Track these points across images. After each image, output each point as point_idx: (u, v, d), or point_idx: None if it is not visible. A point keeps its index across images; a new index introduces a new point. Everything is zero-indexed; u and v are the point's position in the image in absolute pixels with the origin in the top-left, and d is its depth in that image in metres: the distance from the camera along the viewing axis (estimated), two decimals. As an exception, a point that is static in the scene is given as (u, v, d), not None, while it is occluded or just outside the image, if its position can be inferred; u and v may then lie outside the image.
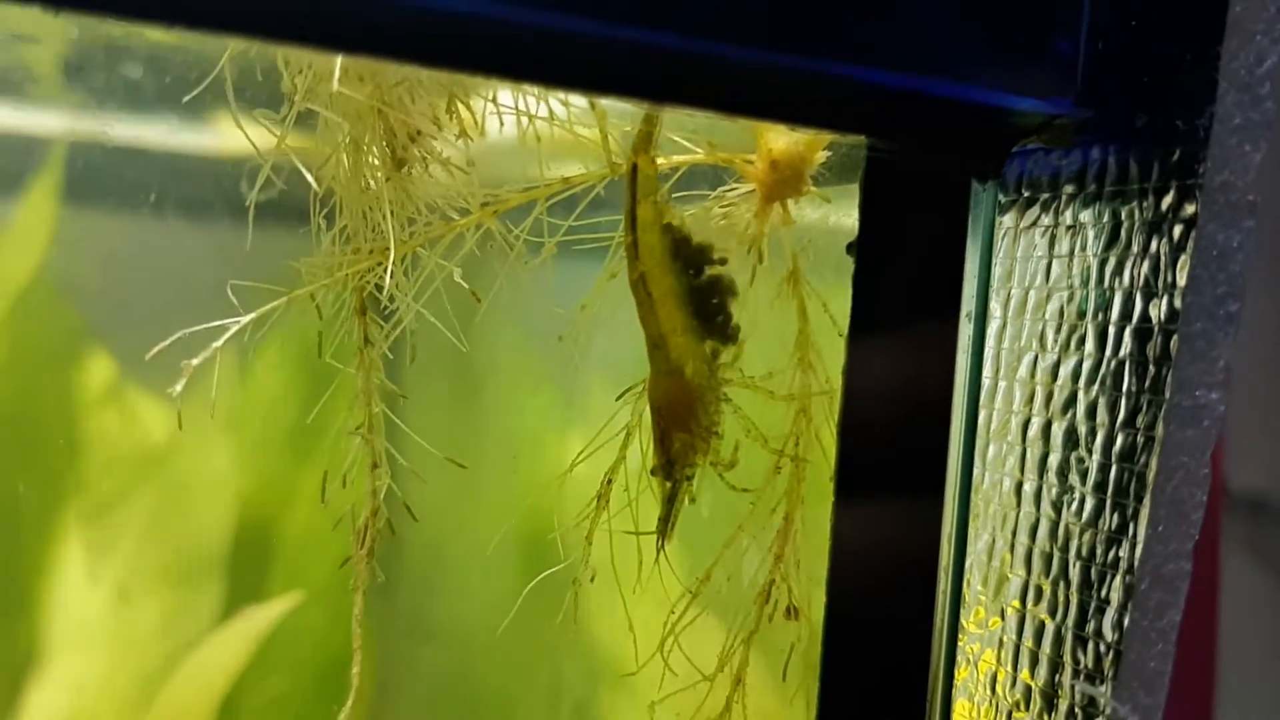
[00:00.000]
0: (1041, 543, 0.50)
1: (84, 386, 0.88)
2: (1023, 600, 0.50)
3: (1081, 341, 0.48)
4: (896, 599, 0.54)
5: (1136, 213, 0.46)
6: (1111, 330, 0.47)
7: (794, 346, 0.56)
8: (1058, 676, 0.48)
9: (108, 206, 0.83)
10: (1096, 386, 0.47)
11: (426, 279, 0.55)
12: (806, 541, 0.58)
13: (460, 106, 0.52)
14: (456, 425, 0.85)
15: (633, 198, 0.53)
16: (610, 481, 0.57)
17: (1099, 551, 0.47)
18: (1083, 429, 0.48)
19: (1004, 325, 0.52)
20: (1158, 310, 0.45)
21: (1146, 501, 0.45)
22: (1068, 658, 0.48)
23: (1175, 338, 0.44)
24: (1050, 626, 0.49)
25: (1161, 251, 0.45)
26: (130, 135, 0.79)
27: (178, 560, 0.89)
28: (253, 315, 0.54)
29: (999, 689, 0.52)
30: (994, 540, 0.52)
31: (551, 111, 0.52)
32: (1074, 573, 0.48)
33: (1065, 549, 0.48)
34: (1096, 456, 0.47)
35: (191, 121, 0.78)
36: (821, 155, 0.54)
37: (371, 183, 0.52)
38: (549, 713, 0.90)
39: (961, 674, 0.54)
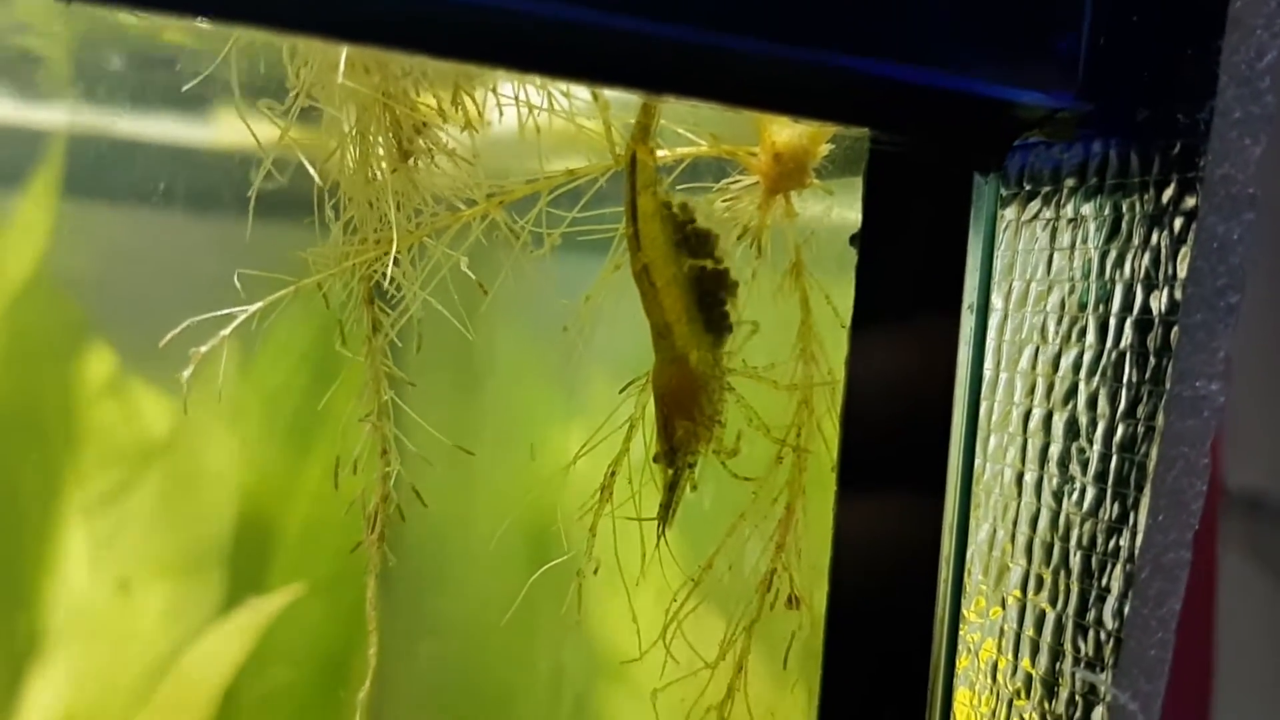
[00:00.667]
0: (1042, 532, 0.50)
1: (85, 379, 0.88)
2: (1024, 589, 0.51)
3: (1082, 333, 0.49)
4: (898, 588, 0.55)
5: (1137, 205, 0.46)
6: (1112, 322, 0.47)
7: (797, 337, 0.57)
8: (1058, 664, 0.49)
9: (109, 199, 0.83)
10: (1097, 378, 0.48)
11: (432, 269, 0.55)
12: (808, 531, 0.58)
13: (465, 98, 0.52)
14: (459, 415, 0.86)
15: (633, 188, 0.53)
16: (614, 474, 0.57)
17: (1099, 541, 0.47)
18: (1083, 420, 0.48)
19: (1005, 317, 0.52)
20: (1158, 302, 0.45)
21: (1147, 491, 0.45)
22: (1068, 646, 0.48)
23: (1175, 329, 0.44)
24: (1051, 615, 0.49)
25: (1162, 244, 0.45)
26: (132, 128, 0.79)
27: (179, 552, 0.89)
28: (260, 304, 0.54)
29: (1000, 677, 0.52)
30: (995, 530, 0.53)
31: (553, 103, 0.52)
32: (1075, 562, 0.48)
33: (1066, 538, 0.49)
34: (1097, 447, 0.48)
35: (194, 113, 0.78)
36: (824, 148, 0.54)
37: (378, 174, 0.52)
38: (550, 702, 0.90)
39: (963, 662, 0.54)
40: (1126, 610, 0.45)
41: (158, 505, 0.89)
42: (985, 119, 0.49)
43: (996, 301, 0.53)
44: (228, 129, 0.77)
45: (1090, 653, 0.47)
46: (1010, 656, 0.51)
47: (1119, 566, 0.46)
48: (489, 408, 0.88)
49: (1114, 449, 0.47)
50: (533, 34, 0.40)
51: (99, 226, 0.84)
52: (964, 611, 0.54)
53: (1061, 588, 0.49)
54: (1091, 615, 0.47)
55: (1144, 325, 0.46)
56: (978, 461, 0.54)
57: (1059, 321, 0.50)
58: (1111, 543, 0.47)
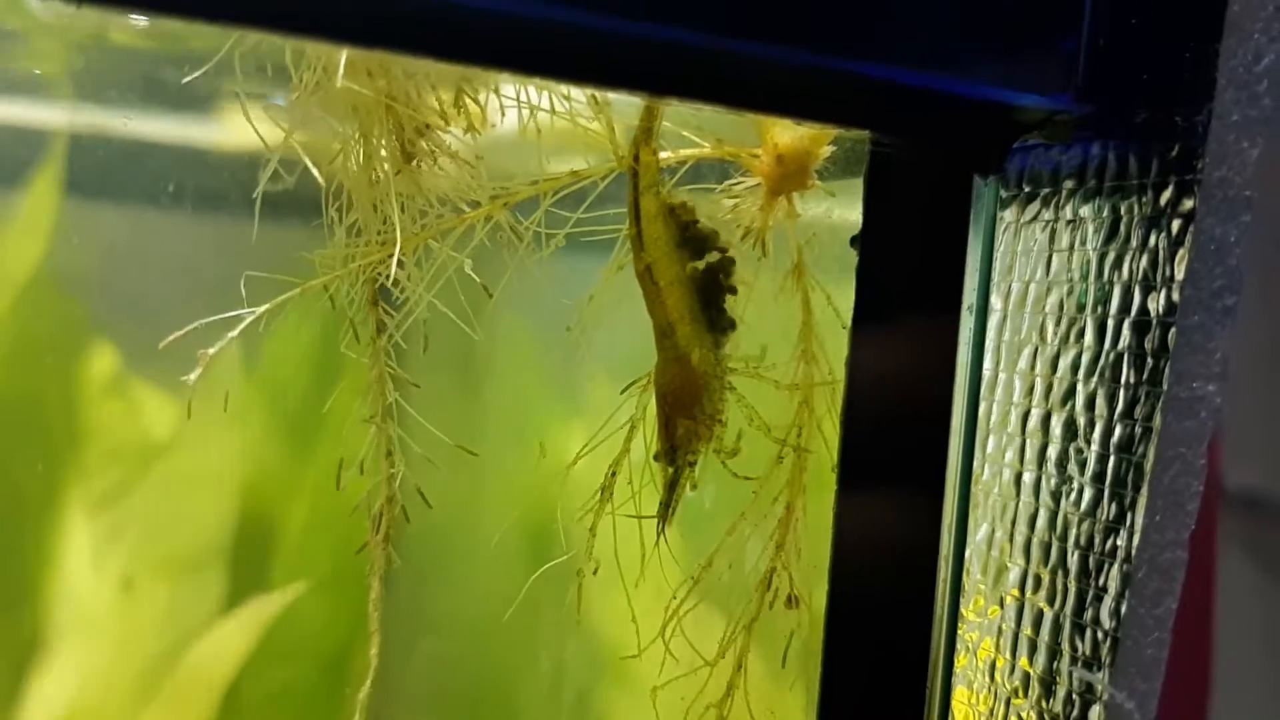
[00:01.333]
0: (1040, 532, 0.50)
1: (87, 378, 0.89)
2: (1021, 589, 0.51)
3: (1081, 334, 0.49)
4: (897, 587, 0.55)
5: (1135, 207, 0.47)
6: (1110, 323, 0.48)
7: (798, 338, 0.57)
8: (1056, 663, 0.49)
9: (112, 198, 0.83)
10: (1095, 378, 0.48)
11: (436, 271, 0.55)
12: (807, 531, 0.58)
13: (468, 100, 0.53)
14: (460, 415, 0.86)
15: (636, 189, 0.54)
16: (614, 474, 0.58)
17: (1097, 541, 0.47)
18: (1081, 420, 0.49)
19: (1004, 318, 0.53)
20: (1156, 304, 0.45)
21: (1144, 491, 0.45)
22: (1066, 645, 0.49)
23: (1173, 330, 0.44)
24: (1049, 614, 0.50)
25: (1160, 246, 0.45)
26: (135, 127, 0.79)
27: (181, 550, 0.90)
28: (267, 306, 0.54)
29: (998, 676, 0.52)
30: (994, 530, 0.53)
31: (554, 105, 0.52)
32: (1072, 561, 0.49)
33: (1064, 538, 0.49)
34: (1095, 447, 0.48)
35: (198, 112, 0.78)
36: (826, 150, 0.55)
37: (381, 176, 0.53)
38: (551, 699, 0.90)
39: (961, 661, 0.54)
40: (1124, 610, 0.46)
41: (160, 503, 0.90)
42: (985, 121, 0.49)
43: (996, 302, 0.53)
44: (232, 129, 0.77)
45: (1087, 652, 0.47)
46: (1008, 655, 0.52)
47: (1116, 566, 0.46)
48: (491, 407, 0.89)
49: (1112, 449, 0.47)
50: (537, 38, 0.41)
51: (101, 225, 0.84)
52: (962, 610, 0.54)
53: (1059, 587, 0.49)
54: (1089, 615, 0.47)
55: (1142, 327, 0.46)
56: (977, 461, 0.54)
57: (1058, 322, 0.50)
58: (1109, 542, 0.47)
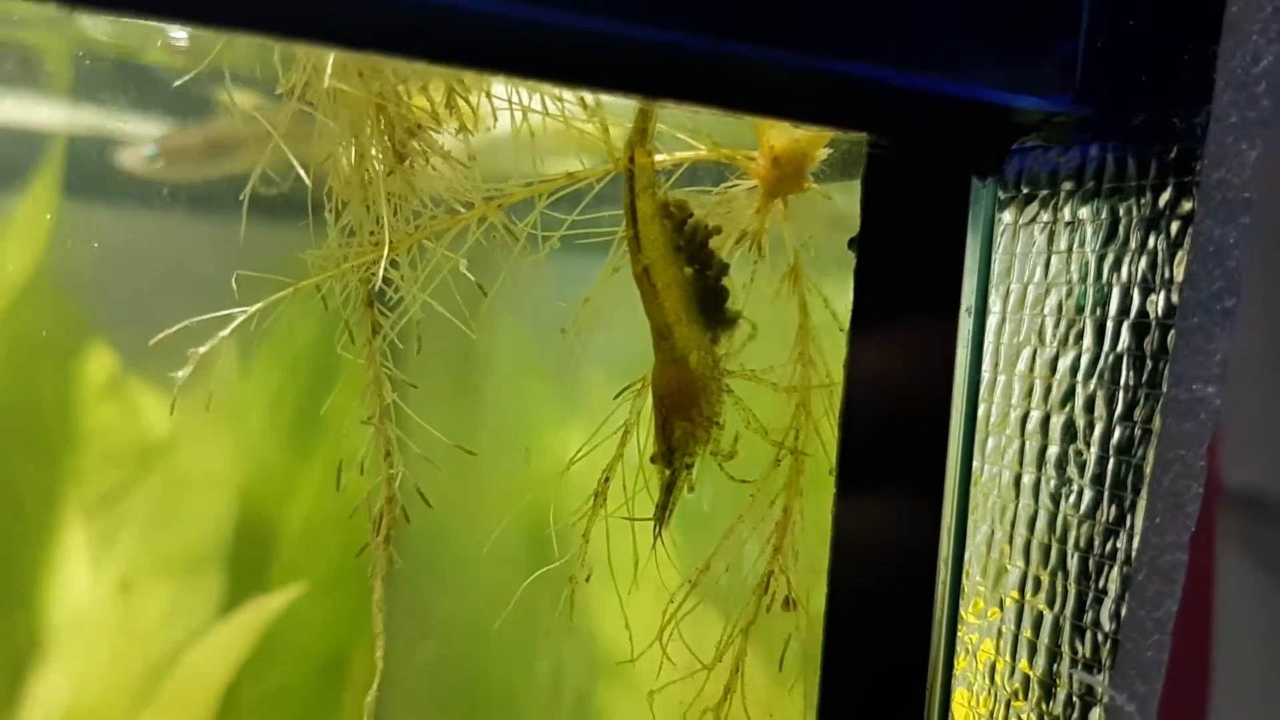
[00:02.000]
0: (1040, 534, 0.50)
1: (85, 379, 0.88)
2: (1021, 591, 0.51)
3: (1080, 336, 0.49)
4: (896, 589, 0.55)
5: (1134, 209, 0.46)
6: (1109, 325, 0.47)
7: (795, 340, 0.57)
8: (1056, 666, 0.49)
9: (109, 200, 0.83)
10: (1095, 380, 0.48)
11: (431, 271, 0.55)
12: (805, 533, 0.58)
13: (460, 101, 0.52)
14: (458, 416, 0.86)
15: (632, 191, 0.53)
16: (608, 479, 0.57)
17: (1097, 543, 0.47)
18: (1081, 422, 0.48)
19: (1003, 320, 0.53)
20: (1155, 306, 0.45)
21: (1144, 494, 0.45)
22: (1066, 647, 0.48)
23: (1172, 333, 0.44)
24: (1049, 617, 0.49)
25: (1159, 247, 0.45)
26: (130, 128, 0.79)
27: (179, 552, 0.90)
28: (259, 305, 0.54)
29: (998, 678, 0.52)
30: (993, 532, 0.53)
31: (546, 107, 0.52)
32: (1072, 564, 0.48)
33: (1064, 540, 0.49)
34: (1094, 449, 0.48)
35: (192, 113, 0.78)
36: (823, 152, 0.55)
37: (372, 176, 0.52)
38: (549, 702, 0.90)
39: (961, 663, 0.54)
40: (1123, 612, 0.46)
41: (158, 505, 0.90)
42: (983, 123, 0.49)
43: (995, 304, 0.53)
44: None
45: (1087, 654, 0.47)
46: (1008, 657, 0.51)
47: (1116, 568, 0.46)
48: (488, 408, 0.89)
49: (1111, 451, 0.47)
50: (532, 41, 0.40)
51: (98, 227, 0.84)
52: (962, 612, 0.54)
53: (1059, 589, 0.49)
54: (1089, 617, 0.47)
55: (1141, 328, 0.46)
56: (976, 463, 0.54)
57: (1056, 324, 0.50)
58: (1109, 545, 0.47)
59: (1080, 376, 0.49)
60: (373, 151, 0.51)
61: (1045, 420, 0.50)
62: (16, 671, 0.86)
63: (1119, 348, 0.47)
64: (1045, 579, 0.50)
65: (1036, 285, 0.51)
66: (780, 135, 0.54)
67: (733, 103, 0.45)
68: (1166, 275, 0.45)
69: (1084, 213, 0.49)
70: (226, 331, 0.54)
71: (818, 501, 0.56)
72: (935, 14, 0.43)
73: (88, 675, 0.88)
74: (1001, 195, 0.53)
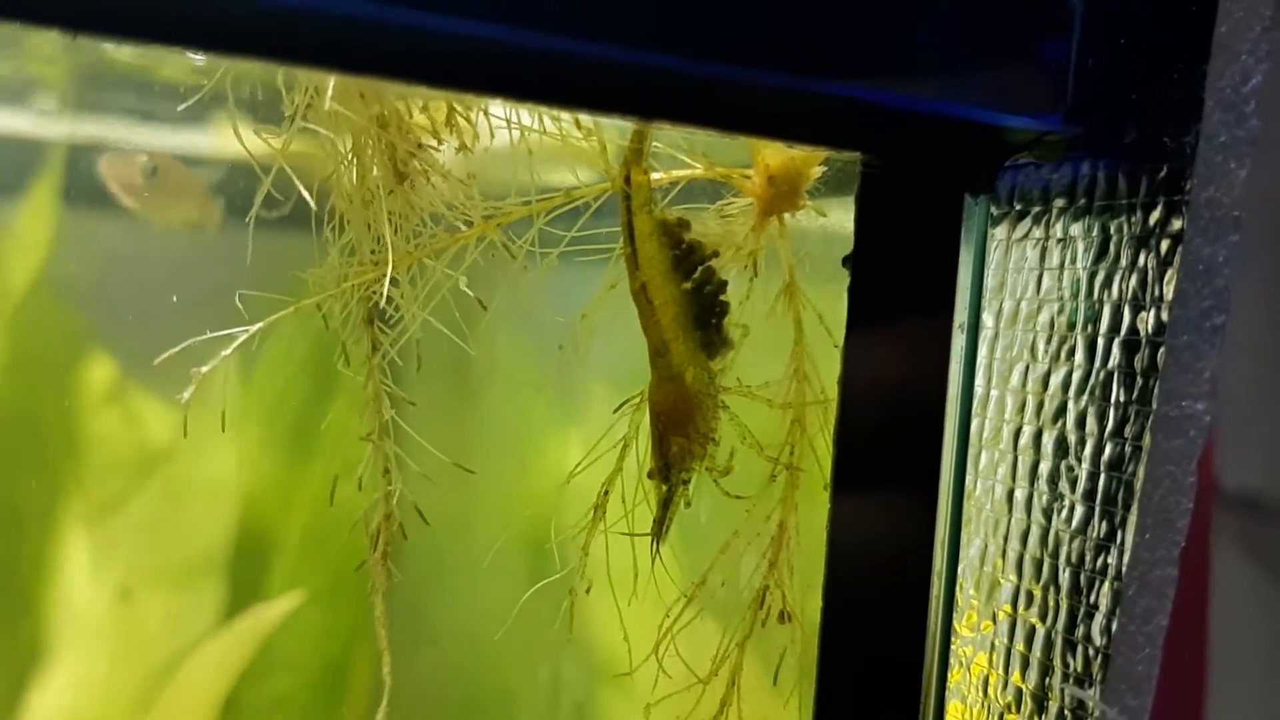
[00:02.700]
0: (1032, 549, 0.51)
1: (86, 388, 0.89)
2: (1014, 605, 0.51)
3: (1071, 352, 0.49)
4: (891, 602, 0.55)
5: (1125, 227, 0.47)
6: (1100, 342, 0.48)
7: (790, 356, 0.57)
8: (1048, 679, 0.49)
9: (109, 208, 0.83)
10: (1086, 397, 0.48)
11: (430, 289, 0.55)
12: (800, 548, 0.59)
13: (460, 119, 0.53)
14: (457, 427, 0.86)
15: (629, 210, 0.54)
16: (607, 493, 0.58)
17: (1088, 558, 0.48)
18: (1072, 438, 0.49)
19: (996, 335, 0.53)
20: (1145, 323, 0.46)
21: (1134, 509, 0.46)
22: (1057, 661, 0.49)
23: (1162, 350, 0.45)
24: (1040, 631, 0.50)
25: (1149, 265, 0.46)
26: (131, 139, 0.79)
27: (179, 560, 0.90)
28: (260, 325, 0.55)
29: (991, 691, 0.53)
30: (986, 546, 0.53)
31: (543, 126, 0.53)
32: (1064, 578, 0.49)
33: (1055, 555, 0.49)
34: (1085, 465, 0.48)
35: (193, 123, 0.79)
36: (817, 170, 0.55)
37: (374, 196, 0.53)
38: (549, 713, 0.91)
39: (954, 676, 0.55)
40: (1114, 627, 0.46)
41: (158, 513, 0.90)
42: (975, 143, 0.49)
43: (987, 320, 0.54)
44: (227, 139, 0.77)
45: (1079, 668, 0.48)
46: (1001, 671, 0.52)
47: (1107, 583, 0.47)
48: (487, 421, 0.89)
49: (1102, 467, 0.47)
50: (531, 65, 0.41)
51: (99, 235, 0.84)
52: (956, 626, 0.55)
53: (1051, 604, 0.49)
54: (1080, 631, 0.48)
55: (1131, 346, 0.46)
56: (969, 477, 0.54)
57: (1048, 340, 0.50)
58: (1100, 560, 0.47)
59: (1072, 393, 0.49)
60: (374, 171, 0.52)
61: (1037, 435, 0.51)
62: (18, 679, 0.86)
63: (1110, 364, 0.47)
64: (1037, 593, 0.50)
65: (1029, 301, 0.52)
66: (775, 154, 0.54)
67: (728, 124, 0.46)
68: (1157, 293, 0.45)
69: (1075, 230, 0.49)
70: (228, 351, 0.55)
71: (813, 516, 0.56)
72: (927, 36, 0.44)
73: (88, 683, 0.88)
74: (994, 211, 0.53)
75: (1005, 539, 0.52)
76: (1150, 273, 0.46)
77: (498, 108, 0.53)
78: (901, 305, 0.54)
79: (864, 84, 0.44)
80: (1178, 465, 0.45)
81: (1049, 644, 0.49)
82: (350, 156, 0.52)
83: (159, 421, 0.89)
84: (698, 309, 0.55)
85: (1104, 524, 0.47)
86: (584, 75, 0.42)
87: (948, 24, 0.44)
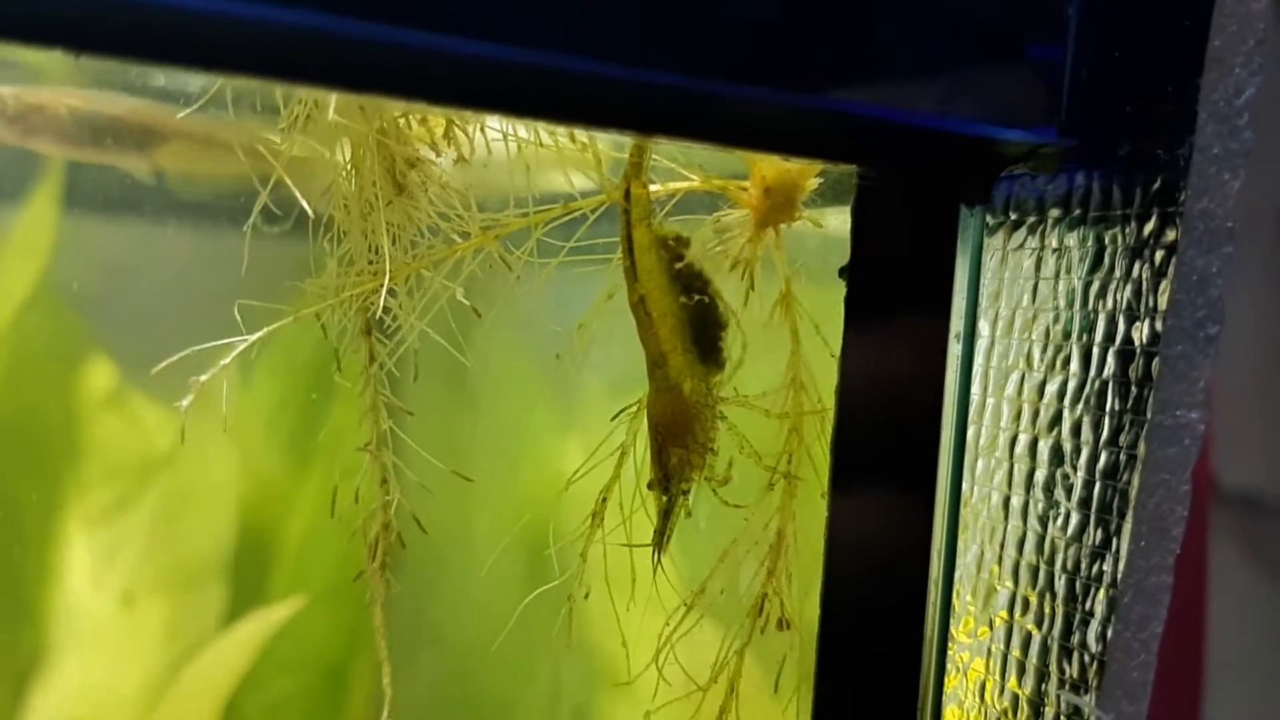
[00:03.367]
0: (1028, 556, 0.51)
1: (86, 393, 0.89)
2: (1010, 611, 0.52)
3: (1067, 362, 0.50)
4: (888, 608, 0.56)
5: (1119, 238, 0.47)
6: (1095, 351, 0.48)
7: (787, 367, 0.58)
8: (1044, 685, 0.50)
9: (108, 214, 0.84)
10: (1081, 405, 0.49)
11: (428, 301, 0.56)
12: (798, 556, 0.59)
13: (458, 131, 0.53)
14: (456, 432, 0.87)
15: (628, 222, 0.54)
16: (605, 500, 0.58)
17: (1083, 565, 0.48)
18: (1068, 446, 0.49)
19: (992, 344, 0.53)
20: (1140, 333, 0.46)
21: (1129, 517, 0.46)
22: (1054, 667, 0.49)
23: (1157, 360, 0.45)
24: (1037, 637, 0.50)
25: (1143, 276, 0.46)
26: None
27: (180, 565, 0.90)
28: (259, 334, 0.55)
29: (987, 697, 0.53)
30: (983, 553, 0.54)
31: (539, 138, 0.53)
32: (1060, 585, 0.49)
33: (1051, 562, 0.50)
34: (1081, 473, 0.49)
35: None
36: (814, 181, 0.55)
37: (372, 208, 0.53)
38: (549, 715, 0.91)
39: (951, 682, 0.55)
40: (1110, 633, 0.46)
41: (159, 518, 0.90)
42: (970, 155, 0.50)
43: (983, 329, 0.54)
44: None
45: (1075, 674, 0.48)
46: (997, 677, 0.52)
47: (1102, 590, 0.47)
48: (485, 428, 0.89)
49: (1097, 475, 0.48)
50: (530, 82, 0.41)
51: (99, 241, 0.85)
52: (953, 632, 0.55)
53: (1047, 610, 0.50)
54: (1076, 638, 0.48)
55: (1126, 355, 0.47)
56: (966, 485, 0.55)
57: (1044, 350, 0.51)
58: (1095, 567, 0.48)
59: (1067, 401, 0.49)
60: (373, 183, 0.52)
61: (1033, 444, 0.51)
62: (19, 684, 0.87)
63: (1104, 374, 0.48)
64: (1034, 600, 0.51)
65: (1024, 311, 0.52)
66: (772, 166, 0.54)
67: (725, 138, 0.46)
68: (1151, 304, 0.46)
69: (1070, 240, 0.50)
70: (228, 360, 0.55)
71: (811, 524, 0.57)
72: (922, 50, 0.44)
73: (90, 687, 0.88)
74: (990, 222, 0.53)
75: (1002, 546, 0.52)
76: (1145, 283, 0.46)
77: (495, 120, 0.54)
78: (898, 315, 0.54)
79: (860, 98, 0.44)
80: (1172, 473, 0.46)
81: (1045, 650, 0.50)
82: (350, 168, 0.52)
83: (159, 427, 0.90)
84: (696, 321, 0.56)
85: (1099, 531, 0.47)
86: (583, 92, 0.42)
87: (943, 38, 0.44)
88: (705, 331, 0.56)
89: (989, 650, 0.53)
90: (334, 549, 0.90)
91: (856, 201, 0.53)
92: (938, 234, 0.53)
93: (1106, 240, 0.48)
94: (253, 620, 0.89)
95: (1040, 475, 0.51)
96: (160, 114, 0.69)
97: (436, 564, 0.87)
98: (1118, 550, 0.46)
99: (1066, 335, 0.50)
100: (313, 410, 0.90)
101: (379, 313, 0.55)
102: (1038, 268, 0.51)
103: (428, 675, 0.91)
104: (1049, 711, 0.50)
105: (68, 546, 0.89)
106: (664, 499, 0.56)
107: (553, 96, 0.42)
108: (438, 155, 0.53)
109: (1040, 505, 0.51)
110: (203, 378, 0.56)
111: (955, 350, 0.54)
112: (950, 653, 0.55)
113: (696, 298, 0.55)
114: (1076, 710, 0.48)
